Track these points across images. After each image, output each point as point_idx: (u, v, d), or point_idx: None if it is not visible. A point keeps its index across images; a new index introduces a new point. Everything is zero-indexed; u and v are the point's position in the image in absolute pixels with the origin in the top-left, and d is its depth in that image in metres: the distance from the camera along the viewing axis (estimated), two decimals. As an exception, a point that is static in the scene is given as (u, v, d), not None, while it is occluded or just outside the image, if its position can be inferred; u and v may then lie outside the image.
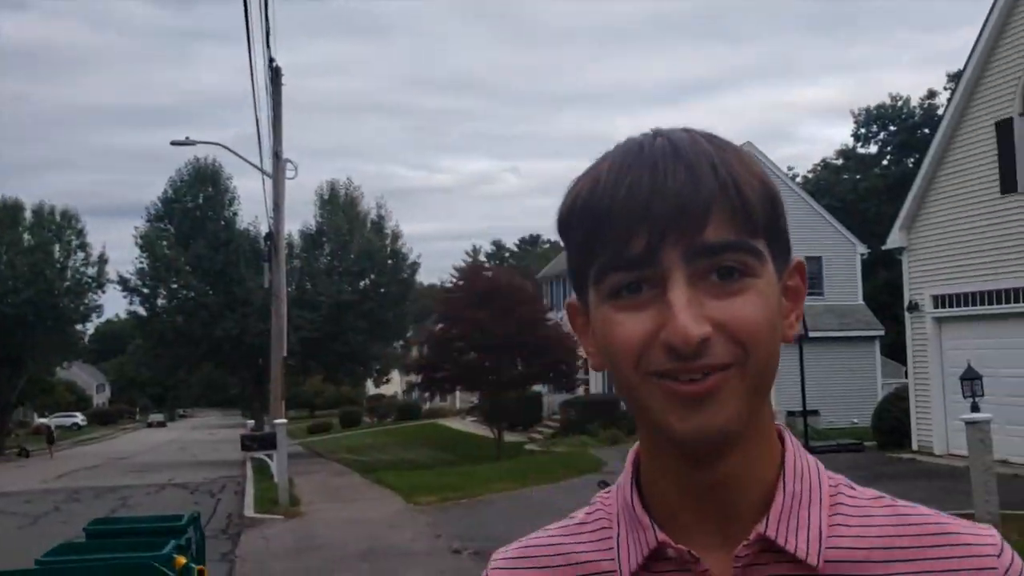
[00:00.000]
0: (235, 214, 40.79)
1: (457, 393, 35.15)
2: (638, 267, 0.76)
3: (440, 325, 27.83)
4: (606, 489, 0.92)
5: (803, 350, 19.30)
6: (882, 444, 19.18)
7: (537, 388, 30.56)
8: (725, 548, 0.80)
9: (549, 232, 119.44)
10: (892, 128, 46.67)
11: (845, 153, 48.44)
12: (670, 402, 0.76)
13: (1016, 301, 15.78)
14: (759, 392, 0.78)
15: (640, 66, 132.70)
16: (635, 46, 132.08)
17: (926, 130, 38.63)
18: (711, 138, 0.80)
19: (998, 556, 0.80)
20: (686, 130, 0.81)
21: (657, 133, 0.80)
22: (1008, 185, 15.98)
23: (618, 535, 0.85)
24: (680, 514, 0.82)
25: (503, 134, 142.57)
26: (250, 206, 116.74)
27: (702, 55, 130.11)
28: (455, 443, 31.91)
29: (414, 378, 28.99)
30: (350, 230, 40.05)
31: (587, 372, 32.06)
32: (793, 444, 0.85)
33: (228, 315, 37.03)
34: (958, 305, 16.91)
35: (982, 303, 16.44)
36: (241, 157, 21.53)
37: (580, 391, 31.04)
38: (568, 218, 0.81)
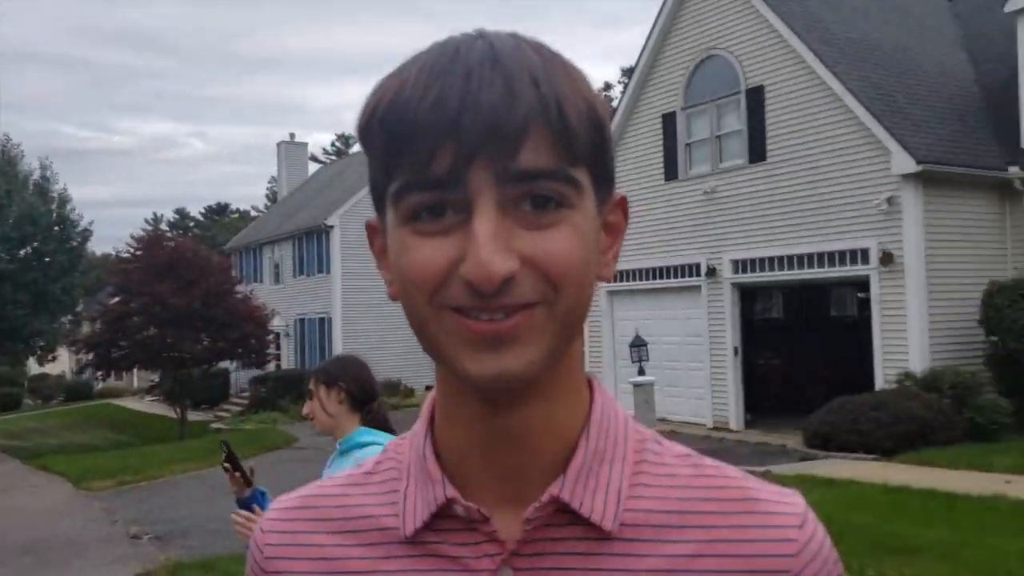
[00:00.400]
0: None
1: (135, 371, 32.99)
2: (441, 188, 0.67)
3: (116, 298, 25.91)
4: (400, 437, 0.83)
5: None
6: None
7: (225, 364, 29.38)
8: (519, 508, 0.73)
9: (238, 201, 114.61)
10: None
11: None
12: (465, 341, 0.68)
13: (672, 276, 17.59)
14: (567, 334, 0.71)
15: (334, 36, 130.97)
16: (331, 14, 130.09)
17: (602, 119, 41.69)
18: (539, 48, 0.71)
19: (799, 527, 0.75)
20: (513, 35, 0.72)
21: (480, 35, 0.71)
22: (671, 173, 17.73)
23: (406, 488, 0.77)
24: (474, 468, 0.75)
25: (188, 96, 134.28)
26: None
27: (396, 30, 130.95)
28: (133, 424, 30.00)
29: (85, 356, 26.79)
30: (8, 193, 36.10)
31: (279, 347, 31.32)
32: (603, 395, 0.78)
33: None
34: (628, 280, 18.49)
35: (647, 278, 18.13)
36: None
37: (271, 367, 30.32)
38: (367, 126, 0.70)
